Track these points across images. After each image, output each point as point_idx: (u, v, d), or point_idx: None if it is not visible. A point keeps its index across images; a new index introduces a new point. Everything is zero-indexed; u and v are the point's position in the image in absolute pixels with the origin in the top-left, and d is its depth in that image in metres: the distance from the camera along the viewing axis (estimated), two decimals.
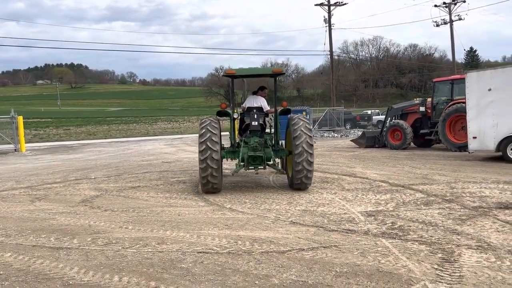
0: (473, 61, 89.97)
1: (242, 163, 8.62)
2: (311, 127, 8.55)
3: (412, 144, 18.51)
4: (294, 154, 8.23)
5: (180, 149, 21.49)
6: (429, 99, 18.29)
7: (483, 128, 12.26)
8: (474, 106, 12.50)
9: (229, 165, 11.96)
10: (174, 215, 6.69)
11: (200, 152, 8.06)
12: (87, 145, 27.59)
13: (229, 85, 10.94)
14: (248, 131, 9.18)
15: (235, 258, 4.56)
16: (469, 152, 13.26)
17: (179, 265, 4.36)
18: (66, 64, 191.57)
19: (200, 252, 4.76)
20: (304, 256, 4.59)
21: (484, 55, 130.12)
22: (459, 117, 15.74)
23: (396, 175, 10.46)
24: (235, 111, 9.42)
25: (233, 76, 9.17)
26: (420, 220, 6.12)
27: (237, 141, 9.38)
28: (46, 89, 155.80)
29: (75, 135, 42.51)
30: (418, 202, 7.38)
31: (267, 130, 9.79)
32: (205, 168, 8.02)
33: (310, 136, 8.29)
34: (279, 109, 9.28)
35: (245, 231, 5.65)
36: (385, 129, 19.00)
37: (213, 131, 8.16)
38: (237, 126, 10.33)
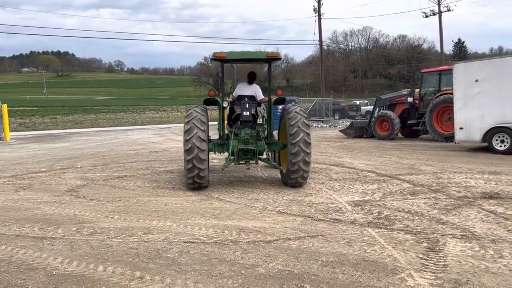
0: (461, 53, 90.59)
1: (232, 157, 7.90)
2: (308, 121, 8.04)
3: (399, 134, 18.64)
4: (290, 153, 7.59)
5: (168, 138, 21.37)
6: (417, 90, 18.39)
7: (470, 119, 12.36)
8: (461, 97, 12.59)
9: (218, 159, 11.89)
10: (161, 205, 6.65)
11: (186, 151, 7.38)
12: (73, 134, 27.27)
13: (218, 73, 10.10)
14: (239, 122, 8.41)
15: (222, 247, 4.55)
16: (455, 143, 13.38)
17: (165, 255, 4.33)
18: (52, 51, 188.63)
19: (187, 242, 4.73)
20: (290, 246, 4.59)
21: (472, 46, 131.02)
22: (446, 108, 15.85)
23: (383, 165, 10.52)
24: (225, 99, 8.49)
25: (223, 60, 8.21)
26: (406, 210, 6.16)
27: (226, 133, 8.57)
28: (32, 77, 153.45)
29: (61, 124, 41.97)
30: (405, 192, 7.43)
31: (259, 121, 9.04)
32: (191, 169, 7.40)
33: (308, 134, 7.59)
34: (273, 98, 8.41)
35: (232, 221, 5.64)
36: (373, 119, 19.09)
37: (200, 127, 7.42)
38: (226, 116, 9.83)
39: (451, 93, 15.31)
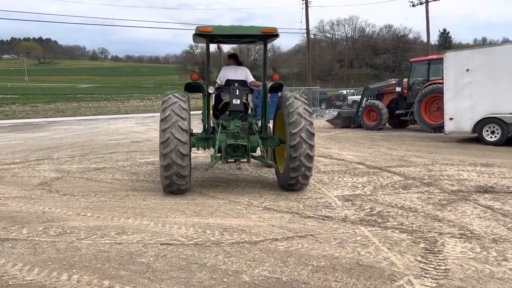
0: (445, 43, 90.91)
1: (219, 154, 6.67)
2: (310, 108, 6.92)
3: (387, 124, 18.38)
4: (289, 146, 6.27)
5: (151, 128, 20.79)
6: (405, 80, 18.11)
7: (460, 109, 12.10)
8: (452, 87, 12.31)
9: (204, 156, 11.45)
10: (139, 201, 6.20)
11: (162, 144, 5.98)
12: (54, 123, 26.48)
13: (204, 61, 8.30)
14: (227, 112, 7.03)
15: (202, 250, 4.14)
16: (445, 134, 13.13)
17: (139, 259, 3.91)
18: (34, 38, 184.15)
19: (164, 244, 4.31)
20: (278, 248, 4.21)
21: (456, 37, 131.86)
22: (435, 98, 15.61)
23: (373, 157, 10.20)
24: (211, 84, 7.08)
25: (209, 36, 6.68)
26: (399, 205, 5.83)
27: (212, 125, 7.25)
28: (13, 64, 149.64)
29: (42, 112, 40.93)
30: (396, 186, 7.11)
31: (250, 112, 7.60)
32: (169, 166, 6.00)
33: (311, 123, 6.34)
34: (269, 84, 7.02)
35: (215, 219, 5.23)
36: (360, 109, 18.78)
37: (180, 115, 6.12)
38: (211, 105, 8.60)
39: (440, 83, 15.08)
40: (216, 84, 7.53)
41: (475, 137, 12.51)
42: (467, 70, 11.88)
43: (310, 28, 42.94)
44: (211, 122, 7.30)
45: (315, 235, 4.55)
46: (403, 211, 5.55)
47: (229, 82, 7.18)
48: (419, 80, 17.23)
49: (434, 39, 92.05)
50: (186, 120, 6.13)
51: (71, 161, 10.39)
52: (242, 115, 6.99)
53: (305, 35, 43.06)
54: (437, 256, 3.96)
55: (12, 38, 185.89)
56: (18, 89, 76.31)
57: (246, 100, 7.40)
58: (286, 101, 6.50)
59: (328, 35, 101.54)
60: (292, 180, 6.39)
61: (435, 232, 4.67)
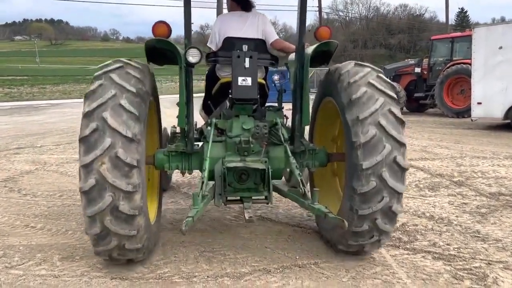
0: (462, 22, 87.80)
1: (210, 186, 3.51)
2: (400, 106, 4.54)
3: (404, 108, 17.04)
4: (353, 188, 3.18)
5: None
6: (426, 60, 16.70)
7: (490, 92, 10.76)
8: (481, 67, 10.94)
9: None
10: None
11: (85, 194, 2.91)
12: (56, 105, 25.63)
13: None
14: (227, 102, 4.03)
15: None
16: (471, 120, 11.81)
17: None
18: (45, 19, 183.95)
19: (116, 279, 3.22)
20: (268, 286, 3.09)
21: (474, 17, 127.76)
22: (458, 80, 14.28)
23: None
24: (194, 47, 3.41)
25: None
26: (428, 215, 4.67)
27: (197, 127, 4.30)
28: (25, 45, 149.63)
29: (49, 94, 40.32)
30: (421, 186, 5.93)
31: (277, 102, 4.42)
32: (102, 237, 3.02)
33: (402, 145, 3.16)
34: (308, 47, 3.71)
35: None
36: None
37: (120, 130, 2.92)
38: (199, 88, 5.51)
39: (465, 63, 13.76)
40: (209, 48, 4.50)
41: (507, 124, 11.15)
42: (500, 47, 10.50)
43: (322, 7, 41.19)
44: (195, 121, 3.97)
45: (320, 264, 3.42)
46: (434, 223, 4.39)
47: (231, 43, 3.98)
48: (441, 60, 15.85)
49: (451, 18, 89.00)
50: (137, 137, 2.97)
51: (54, 149, 9.39)
52: (255, 108, 3.98)
53: (317, 14, 41.33)
54: None
55: (24, 19, 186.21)
56: (29, 71, 75.94)
57: (264, 78, 4.49)
58: (348, 88, 3.28)
59: (342, 14, 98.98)
60: (352, 247, 3.42)
61: (480, 260, 3.50)
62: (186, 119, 3.48)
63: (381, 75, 3.36)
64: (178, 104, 3.42)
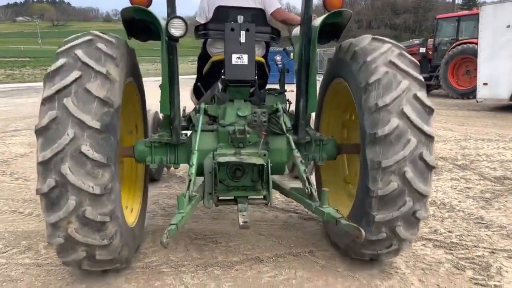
0: (469, 1, 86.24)
1: (194, 190, 2.82)
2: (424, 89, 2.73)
3: None
4: (366, 191, 2.67)
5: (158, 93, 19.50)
6: (431, 39, 16.33)
7: (497, 73, 10.46)
8: (488, 47, 10.63)
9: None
10: None
11: (44, 196, 2.40)
12: None
13: None
14: (219, 84, 3.56)
15: None
16: (477, 101, 11.55)
17: None
18: (47, 0, 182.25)
19: None
20: (260, 276, 2.94)
21: None
22: (464, 60, 13.97)
23: None
24: (178, 17, 2.73)
25: None
26: (430, 200, 4.49)
27: (186, 114, 3.72)
28: (27, 26, 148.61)
29: None
30: None
31: (279, 84, 4.21)
32: (66, 247, 2.54)
33: (429, 137, 2.62)
34: (315, 18, 3.26)
35: None
36: None
37: (88, 122, 2.42)
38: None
39: (471, 43, 13.43)
40: (197, 21, 3.95)
41: None
42: (508, 26, 10.17)
43: None
44: (184, 106, 3.82)
45: (315, 253, 3.27)
46: (436, 209, 4.23)
47: (223, 14, 3.57)
48: (447, 39, 15.50)
49: None
50: (108, 127, 2.48)
51: None
52: (253, 92, 3.48)
53: None
54: None
55: (25, 0, 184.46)
56: (31, 52, 75.55)
57: (264, 56, 3.98)
58: (366, 67, 2.73)
59: None
60: (366, 256, 2.94)
61: (484, 248, 3.34)
62: (170, 104, 2.95)
63: (404, 52, 2.82)
64: (160, 86, 2.91)
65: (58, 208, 2.39)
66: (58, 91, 2.41)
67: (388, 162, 2.56)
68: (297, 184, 3.16)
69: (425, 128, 2.59)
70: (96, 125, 2.40)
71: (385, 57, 2.71)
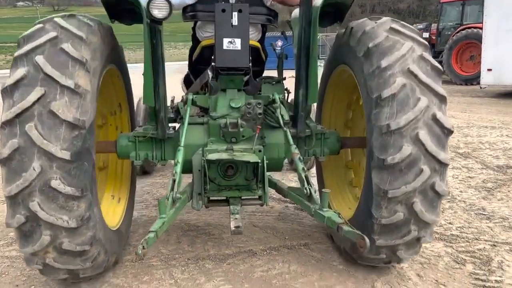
0: None
1: (179, 194, 2.54)
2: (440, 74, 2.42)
3: None
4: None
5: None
6: (434, 24, 16.07)
7: (502, 58, 10.27)
8: (493, 32, 10.41)
9: None
10: None
11: (9, 207, 2.18)
12: None
13: None
14: (208, 72, 3.15)
15: None
16: (480, 87, 11.37)
17: None
18: None
19: None
20: (253, 270, 2.85)
21: None
22: (468, 45, 13.75)
23: None
24: None
25: None
26: None
27: (174, 104, 3.47)
28: (27, 11, 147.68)
29: None
30: None
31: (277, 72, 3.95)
32: (50, 270, 2.39)
33: (448, 131, 2.36)
34: None
35: None
36: None
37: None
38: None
39: (476, 28, 13.18)
40: (185, 2, 3.56)
41: None
42: None
43: None
44: (173, 96, 3.73)
45: (311, 245, 3.17)
46: None
47: None
48: (451, 24, 15.26)
49: None
50: (82, 154, 2.20)
51: None
52: (247, 80, 3.17)
53: None
54: None
55: None
56: None
57: (260, 41, 3.66)
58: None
59: None
60: (373, 261, 2.68)
61: (485, 241, 3.24)
62: (154, 94, 2.67)
63: (426, 54, 2.43)
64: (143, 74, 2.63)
65: (32, 241, 2.20)
66: (18, 115, 2.07)
67: (395, 193, 2.31)
68: (297, 180, 3.00)
69: (441, 156, 2.30)
70: (66, 155, 2.11)
71: (404, 64, 2.33)
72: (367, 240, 2.09)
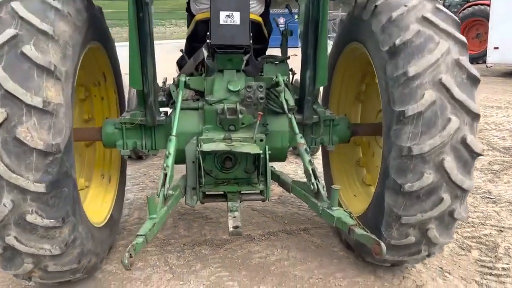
0: None
1: (173, 191, 2.30)
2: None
3: None
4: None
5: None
6: (441, 1, 15.72)
7: (509, 36, 10.01)
8: (500, 8, 10.17)
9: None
10: None
11: None
12: None
13: None
14: (203, 50, 2.69)
15: None
16: (486, 66, 11.15)
17: None
18: None
19: None
20: (251, 258, 2.76)
21: None
22: (475, 23, 13.44)
23: None
24: None
25: None
26: None
27: (166, 86, 3.07)
28: None
29: None
30: None
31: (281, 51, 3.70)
32: (37, 285, 2.44)
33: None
34: None
35: None
36: None
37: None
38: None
39: (483, 4, 12.86)
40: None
41: None
42: None
43: None
44: (165, 78, 3.43)
45: (310, 231, 3.07)
46: None
47: None
48: (457, 1, 14.91)
49: None
50: (60, 181, 1.93)
51: None
52: (247, 60, 2.72)
53: None
54: (503, 279, 2.46)
55: None
56: None
57: (262, 15, 3.27)
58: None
59: None
60: (386, 262, 2.43)
61: (491, 226, 3.14)
62: (142, 76, 2.35)
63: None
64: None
65: (15, 267, 2.02)
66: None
67: (409, 220, 2.09)
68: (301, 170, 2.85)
69: (466, 184, 2.05)
70: (40, 188, 1.83)
71: (435, 72, 2.01)
72: (383, 245, 1.84)
